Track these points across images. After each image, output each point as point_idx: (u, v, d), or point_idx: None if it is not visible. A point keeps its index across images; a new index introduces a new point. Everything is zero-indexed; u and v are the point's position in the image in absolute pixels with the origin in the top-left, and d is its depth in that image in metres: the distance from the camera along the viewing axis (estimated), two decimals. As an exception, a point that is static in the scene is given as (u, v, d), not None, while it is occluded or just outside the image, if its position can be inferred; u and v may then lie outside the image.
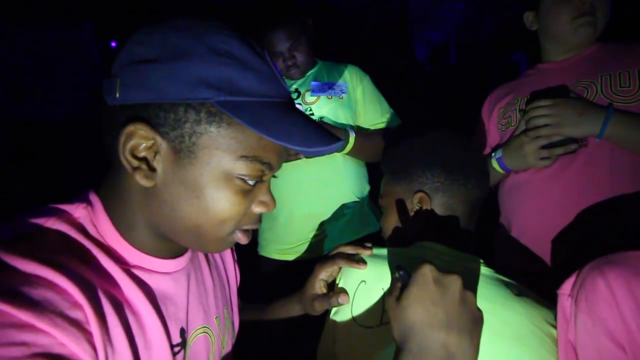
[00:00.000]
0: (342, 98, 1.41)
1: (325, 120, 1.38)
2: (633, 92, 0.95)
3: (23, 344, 0.36)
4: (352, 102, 1.44)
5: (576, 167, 0.99)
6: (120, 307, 0.47)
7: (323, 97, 1.40)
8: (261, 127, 0.46)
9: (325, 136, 0.51)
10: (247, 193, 0.51)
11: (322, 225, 1.37)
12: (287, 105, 0.51)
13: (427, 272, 0.51)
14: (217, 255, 0.72)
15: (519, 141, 1.04)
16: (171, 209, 0.49)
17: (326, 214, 1.37)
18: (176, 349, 0.55)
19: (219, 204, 0.49)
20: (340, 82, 1.44)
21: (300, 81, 1.43)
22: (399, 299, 0.52)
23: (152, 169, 0.48)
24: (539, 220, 1.05)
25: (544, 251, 1.04)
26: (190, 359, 0.58)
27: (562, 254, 1.01)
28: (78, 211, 0.50)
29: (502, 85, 1.24)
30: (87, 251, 0.48)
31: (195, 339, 0.60)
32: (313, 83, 1.41)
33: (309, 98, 1.40)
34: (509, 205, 1.14)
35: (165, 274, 0.55)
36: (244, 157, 0.48)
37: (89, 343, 0.41)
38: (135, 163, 0.47)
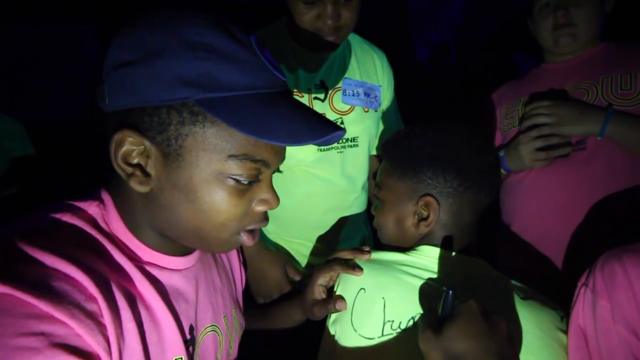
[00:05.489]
0: (377, 112, 1.11)
1: (358, 141, 1.07)
2: (633, 95, 0.95)
3: (42, 334, 0.37)
4: (380, 114, 1.15)
5: (575, 168, 1.00)
6: (133, 302, 0.48)
7: (359, 109, 1.07)
8: (241, 124, 0.44)
9: (316, 128, 0.48)
10: (244, 192, 0.50)
11: (332, 245, 1.13)
12: (278, 95, 0.48)
13: (474, 305, 0.52)
14: (223, 256, 0.72)
15: (516, 142, 1.05)
16: (170, 212, 0.49)
17: (336, 233, 1.13)
18: (187, 345, 0.55)
19: (214, 206, 0.48)
20: (374, 83, 1.11)
21: (325, 67, 1.04)
22: (440, 331, 0.51)
23: (147, 174, 0.48)
24: (538, 220, 1.06)
25: (544, 251, 1.04)
26: (199, 357, 0.58)
27: (563, 254, 1.01)
28: (91, 208, 0.51)
29: (506, 84, 1.23)
30: (102, 247, 0.48)
31: (205, 337, 0.60)
32: (346, 82, 1.05)
33: (340, 104, 1.04)
34: (510, 205, 1.14)
35: (176, 270, 0.56)
36: (233, 156, 0.47)
37: (103, 336, 0.42)
38: (129, 170, 0.47)
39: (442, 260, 0.69)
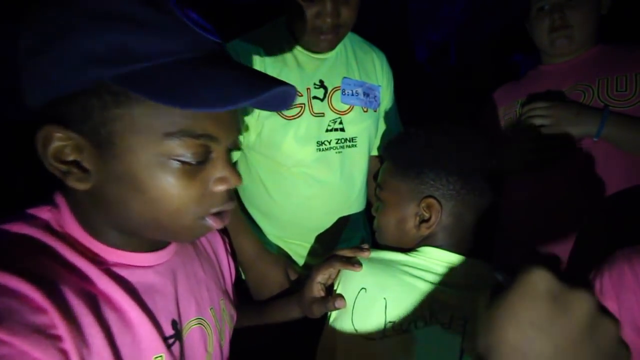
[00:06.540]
0: (376, 112, 1.12)
1: (357, 141, 1.07)
2: (629, 96, 0.96)
3: None
4: (379, 115, 1.16)
5: (571, 170, 1.01)
6: (96, 305, 0.45)
7: (358, 109, 1.06)
8: (162, 96, 0.39)
9: (252, 87, 0.42)
10: (195, 173, 0.46)
11: (331, 247, 1.11)
12: (207, 58, 0.44)
13: (536, 280, 0.33)
14: (208, 248, 0.70)
15: (511, 145, 1.06)
16: (120, 207, 0.46)
17: (336, 234, 1.13)
18: (170, 341, 0.54)
19: (164, 193, 0.44)
20: (374, 83, 1.10)
21: (324, 67, 1.04)
22: (490, 305, 0.36)
23: (86, 170, 0.44)
24: (535, 221, 1.07)
25: (541, 251, 1.05)
26: (186, 350, 0.57)
27: (560, 254, 1.01)
28: (44, 214, 0.48)
29: (504, 85, 1.26)
30: (56, 253, 0.46)
31: (190, 330, 0.59)
32: (345, 81, 1.04)
33: (339, 104, 1.04)
34: (507, 205, 1.15)
35: (148, 267, 0.53)
36: (169, 134, 0.43)
37: (56, 348, 0.39)
38: (64, 168, 0.44)
39: (444, 261, 0.69)
